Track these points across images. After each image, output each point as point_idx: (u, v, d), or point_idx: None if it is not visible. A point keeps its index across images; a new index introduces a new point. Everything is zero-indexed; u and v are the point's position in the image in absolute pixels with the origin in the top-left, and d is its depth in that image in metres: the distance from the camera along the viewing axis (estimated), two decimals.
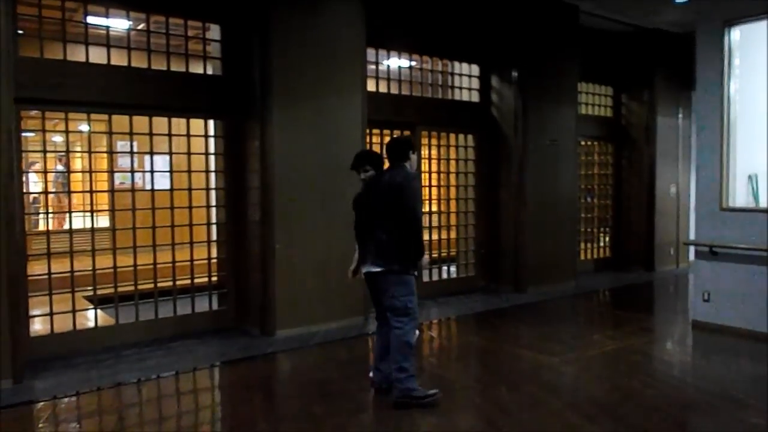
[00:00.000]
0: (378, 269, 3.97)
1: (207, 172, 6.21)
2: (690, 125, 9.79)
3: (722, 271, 5.91)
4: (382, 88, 7.05)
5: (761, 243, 5.52)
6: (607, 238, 10.03)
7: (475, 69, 7.99)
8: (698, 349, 5.80)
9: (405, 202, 3.88)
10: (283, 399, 4.49)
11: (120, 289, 5.52)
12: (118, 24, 5.91)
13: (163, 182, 6.19)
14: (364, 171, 4.17)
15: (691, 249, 8.75)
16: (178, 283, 5.82)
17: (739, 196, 6.00)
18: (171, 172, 5.85)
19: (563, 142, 8.18)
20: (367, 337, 5.86)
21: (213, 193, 6.19)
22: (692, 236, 7.89)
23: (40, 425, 3.85)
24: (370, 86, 6.63)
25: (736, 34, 5.88)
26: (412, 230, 3.91)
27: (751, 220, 5.70)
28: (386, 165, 4.23)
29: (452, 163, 8.02)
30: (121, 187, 7.19)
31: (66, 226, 7.55)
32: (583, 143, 9.44)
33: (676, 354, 5.78)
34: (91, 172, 5.97)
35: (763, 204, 5.92)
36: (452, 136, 7.98)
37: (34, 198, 9.79)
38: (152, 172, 5.75)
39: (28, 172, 8.12)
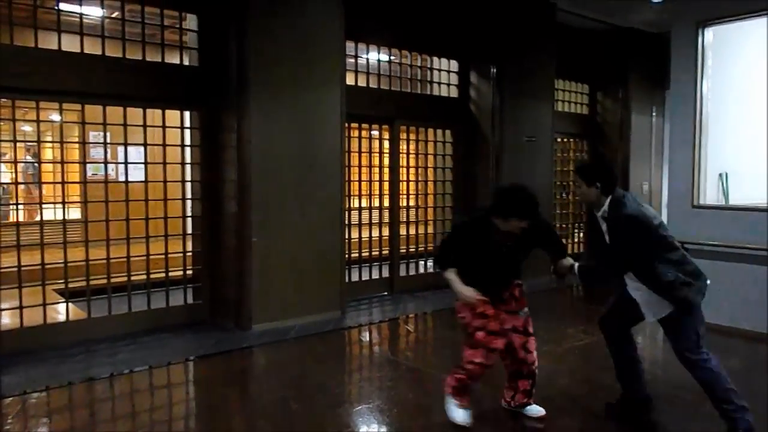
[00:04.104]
0: None
1: (182, 164, 6.12)
2: (663, 123, 9.96)
3: None
4: (361, 82, 7.03)
5: (730, 240, 5.65)
6: (581, 234, 10.17)
7: (453, 64, 8.02)
8: (668, 342, 5.89)
9: None
10: (259, 394, 4.47)
11: (92, 283, 5.42)
12: (92, 11, 5.79)
13: (137, 174, 6.09)
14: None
15: None
16: (152, 276, 5.74)
17: (710, 194, 6.14)
18: (145, 163, 5.75)
19: (539, 139, 8.26)
20: (343, 332, 5.86)
21: (188, 186, 6.11)
22: None
23: (9, 421, 3.76)
24: (349, 80, 6.60)
25: (709, 35, 6.00)
26: None
27: (721, 218, 5.83)
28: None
29: (430, 158, 8.04)
30: (94, 178, 7.06)
31: (37, 218, 7.40)
32: (558, 140, 9.54)
33: (647, 347, 5.89)
34: (63, 162, 5.85)
35: (732, 202, 6.06)
36: (430, 131, 7.99)
37: (4, 188, 9.57)
38: (126, 163, 5.64)
39: None
